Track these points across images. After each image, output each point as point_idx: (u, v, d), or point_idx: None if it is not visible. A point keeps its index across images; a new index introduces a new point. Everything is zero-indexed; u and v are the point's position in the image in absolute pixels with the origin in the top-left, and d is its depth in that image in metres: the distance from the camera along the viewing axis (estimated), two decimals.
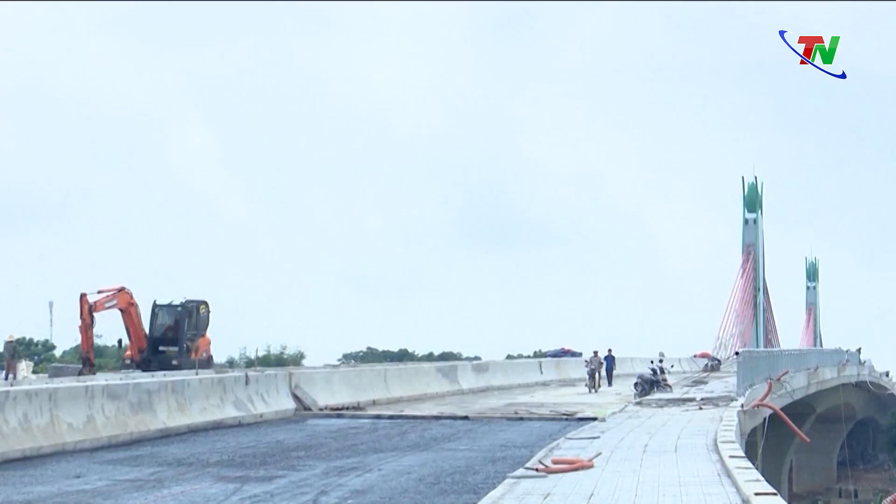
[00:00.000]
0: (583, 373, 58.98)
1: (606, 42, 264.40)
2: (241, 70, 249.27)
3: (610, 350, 60.38)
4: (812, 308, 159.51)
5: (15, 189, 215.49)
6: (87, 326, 53.32)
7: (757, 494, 15.32)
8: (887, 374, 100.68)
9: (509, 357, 78.81)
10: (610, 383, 58.68)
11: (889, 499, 19.87)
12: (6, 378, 46.93)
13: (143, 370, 48.85)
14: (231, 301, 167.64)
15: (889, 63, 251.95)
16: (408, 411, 41.57)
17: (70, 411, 28.48)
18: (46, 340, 62.65)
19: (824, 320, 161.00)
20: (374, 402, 44.84)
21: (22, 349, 60.57)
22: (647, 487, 17.76)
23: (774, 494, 15.62)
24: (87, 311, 52.98)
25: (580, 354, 68.60)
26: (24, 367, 52.86)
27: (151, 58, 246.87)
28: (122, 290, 53.96)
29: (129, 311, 54.09)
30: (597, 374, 55.26)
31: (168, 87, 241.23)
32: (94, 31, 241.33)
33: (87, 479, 21.58)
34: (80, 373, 48.80)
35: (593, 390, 53.33)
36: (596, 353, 57.76)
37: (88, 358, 52.25)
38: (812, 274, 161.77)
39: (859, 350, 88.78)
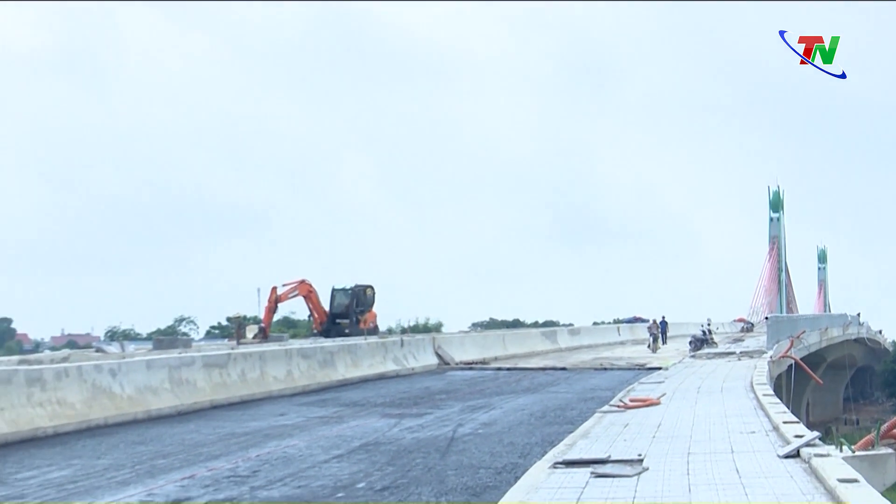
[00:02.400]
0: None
1: (659, 83, 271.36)
2: (390, 112, 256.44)
3: (663, 316, 59.37)
4: (822, 284, 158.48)
5: (229, 204, 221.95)
6: (269, 310, 55.02)
7: (784, 423, 14.98)
8: (880, 332, 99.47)
9: (595, 323, 78.03)
10: (664, 342, 57.74)
11: (886, 424, 19.28)
12: (238, 343, 47.87)
13: (325, 337, 49.11)
14: (389, 285, 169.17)
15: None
16: (520, 364, 41.31)
17: (274, 367, 28.63)
18: (255, 316, 64.01)
19: (832, 292, 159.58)
20: (495, 358, 44.62)
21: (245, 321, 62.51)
22: (700, 418, 17.43)
23: (797, 422, 15.28)
24: (274, 300, 54.74)
25: (647, 320, 67.77)
26: (249, 331, 53.97)
27: (324, 104, 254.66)
28: (302, 281, 55.05)
29: (309, 297, 55.11)
30: (659, 337, 54.39)
31: (337, 126, 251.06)
32: (284, 85, 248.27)
33: (288, 417, 21.64)
34: (255, 337, 50.50)
35: (650, 349, 52.47)
36: (654, 321, 56.98)
37: (264, 329, 52.88)
38: (822, 258, 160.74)
39: (859, 314, 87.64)
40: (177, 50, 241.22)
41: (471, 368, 39.74)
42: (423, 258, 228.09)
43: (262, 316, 56.28)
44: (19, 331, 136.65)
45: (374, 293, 56.75)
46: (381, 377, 34.36)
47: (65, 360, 27.45)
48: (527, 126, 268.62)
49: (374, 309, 56.48)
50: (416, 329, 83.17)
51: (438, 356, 41.13)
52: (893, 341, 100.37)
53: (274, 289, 54.56)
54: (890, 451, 16.16)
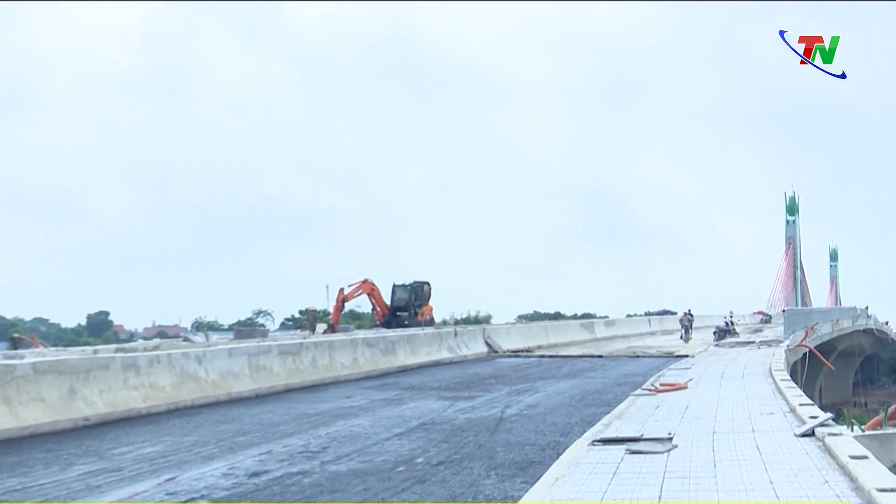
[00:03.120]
0: (678, 325, 57.81)
1: (683, 98, 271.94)
2: (443, 126, 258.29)
3: (689, 310, 58.85)
4: (834, 280, 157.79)
5: (300, 208, 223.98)
6: (337, 308, 55.46)
7: (800, 405, 14.92)
8: (886, 323, 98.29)
9: (628, 315, 77.67)
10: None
11: (893, 407, 19.03)
12: (312, 333, 48.36)
13: (387, 328, 49.32)
14: (443, 281, 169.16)
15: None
16: (561, 352, 41.21)
17: (342, 355, 28.78)
18: (325, 309, 64.65)
19: (842, 287, 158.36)
20: (538, 347, 44.56)
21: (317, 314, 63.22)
22: (724, 401, 17.36)
23: (811, 405, 15.23)
24: (341, 300, 55.06)
25: (675, 313, 67.33)
26: (319, 327, 54.54)
27: (385, 119, 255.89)
28: (364, 281, 55.26)
29: (372, 293, 55.33)
30: (690, 328, 53.91)
31: (396, 139, 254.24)
32: (349, 102, 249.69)
33: (353, 399, 21.76)
34: (325, 332, 50.12)
35: (683, 339, 52.04)
36: (685, 313, 56.59)
37: (333, 325, 53.22)
38: (834, 256, 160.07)
39: (867, 307, 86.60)
40: (252, 72, 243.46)
41: (517, 356, 39.71)
42: (473, 257, 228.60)
43: (330, 309, 56.85)
44: (115, 322, 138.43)
45: (430, 289, 56.90)
46: (437, 364, 34.43)
47: (156, 348, 27.77)
48: (564, 138, 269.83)
49: (430, 303, 56.58)
50: (467, 321, 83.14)
51: (488, 345, 41.16)
52: None
53: (341, 290, 54.87)
54: None
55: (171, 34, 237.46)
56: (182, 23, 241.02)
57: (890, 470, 8.92)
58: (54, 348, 40.07)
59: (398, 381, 27.31)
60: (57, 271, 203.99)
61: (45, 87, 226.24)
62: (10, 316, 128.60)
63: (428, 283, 56.93)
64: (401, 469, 12.02)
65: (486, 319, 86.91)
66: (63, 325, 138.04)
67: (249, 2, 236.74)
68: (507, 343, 42.69)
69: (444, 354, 36.49)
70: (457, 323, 71.38)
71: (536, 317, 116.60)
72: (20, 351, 34.80)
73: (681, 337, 52.23)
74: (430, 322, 54.17)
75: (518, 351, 41.77)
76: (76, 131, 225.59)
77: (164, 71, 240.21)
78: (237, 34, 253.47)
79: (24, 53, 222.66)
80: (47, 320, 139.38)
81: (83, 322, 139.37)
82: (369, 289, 55.17)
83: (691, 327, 53.68)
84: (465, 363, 35.58)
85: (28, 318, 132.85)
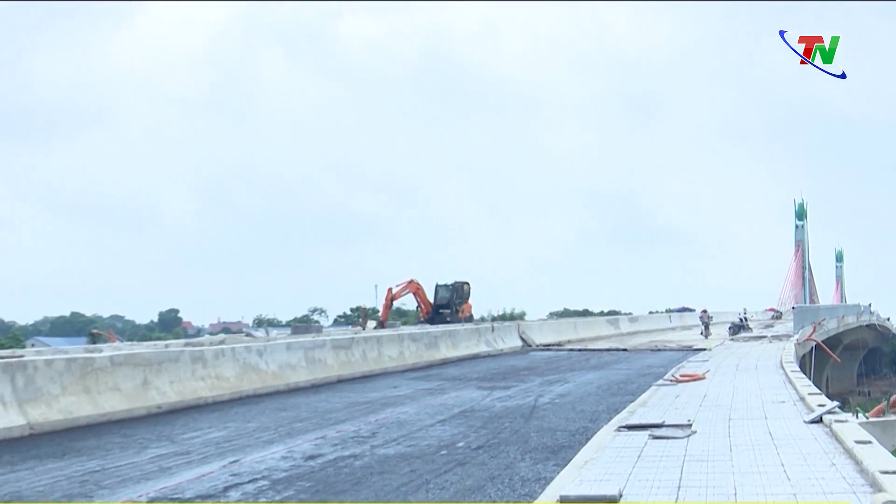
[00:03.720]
0: (696, 321, 57.36)
1: (699, 111, 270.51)
2: (480, 139, 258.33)
3: (705, 309, 58.42)
4: (839, 279, 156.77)
5: (350, 215, 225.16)
6: (386, 307, 55.45)
7: (809, 394, 14.79)
8: (888, 319, 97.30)
9: (650, 312, 77.01)
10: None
11: (894, 396, 18.88)
12: (363, 328, 48.66)
13: (430, 324, 49.36)
14: (481, 281, 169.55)
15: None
16: (589, 346, 41.11)
17: (389, 348, 28.90)
18: (374, 307, 65.03)
19: (847, 286, 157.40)
20: (568, 341, 44.45)
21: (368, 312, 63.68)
22: (739, 390, 17.24)
23: (819, 394, 15.09)
24: (389, 298, 55.17)
25: (694, 310, 66.92)
26: (370, 324, 54.94)
27: (427, 133, 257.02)
28: (411, 281, 55.39)
29: (418, 293, 55.48)
30: (709, 324, 53.41)
31: (437, 151, 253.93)
32: (394, 117, 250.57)
33: (399, 389, 21.84)
34: (376, 327, 50.22)
35: (703, 335, 51.56)
36: (706, 310, 56.09)
37: (382, 322, 53.44)
38: (839, 258, 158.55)
39: (870, 305, 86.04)
40: (306, 91, 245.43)
41: (548, 349, 39.66)
42: (508, 259, 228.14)
43: (379, 307, 57.17)
44: (184, 319, 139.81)
45: (469, 288, 56.95)
46: (476, 357, 34.46)
47: (221, 343, 27.99)
48: (590, 149, 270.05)
49: (470, 301, 56.67)
50: (503, 317, 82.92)
51: (522, 339, 41.13)
52: None
53: (389, 289, 55.08)
54: None
55: (232, 57, 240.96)
56: (242, 47, 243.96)
57: (892, 454, 8.86)
58: (129, 343, 40.49)
59: (440, 372, 27.38)
60: (132, 272, 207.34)
61: (124, 106, 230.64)
62: (89, 313, 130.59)
63: (467, 283, 57.01)
64: (443, 452, 12.07)
65: (521, 316, 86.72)
66: (137, 322, 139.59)
67: (304, 26, 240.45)
68: (539, 338, 42.63)
69: (483, 348, 36.49)
70: (494, 319, 71.21)
71: (566, 313, 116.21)
72: (98, 345, 35.21)
73: (701, 333, 51.79)
74: (470, 319, 54.19)
75: (549, 345, 41.71)
76: (150, 146, 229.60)
77: (227, 91, 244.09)
78: (292, 57, 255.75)
79: (107, 77, 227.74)
80: (123, 317, 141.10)
81: (155, 318, 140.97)
82: (415, 288, 55.37)
83: (711, 324, 53.27)
84: (501, 356, 35.58)
85: (105, 315, 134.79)
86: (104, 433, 14.46)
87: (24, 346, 53.17)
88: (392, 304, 56.20)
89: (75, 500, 9.45)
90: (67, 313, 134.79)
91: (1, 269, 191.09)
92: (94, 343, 44.11)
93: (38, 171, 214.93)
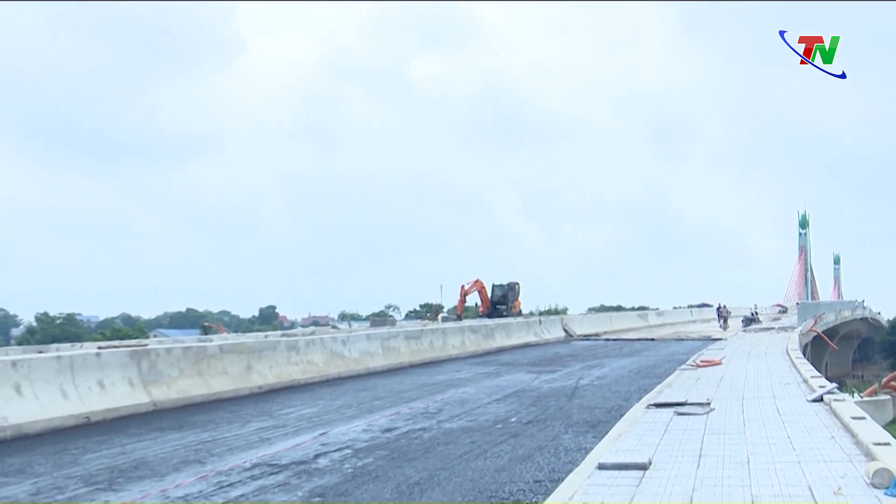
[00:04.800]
0: (713, 315, 56.61)
1: (717, 136, 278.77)
2: (531, 162, 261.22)
3: (721, 304, 57.44)
4: (837, 279, 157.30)
5: (420, 227, 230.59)
6: (461, 302, 56.10)
7: (811, 377, 14.64)
8: (879, 313, 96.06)
9: (674, 307, 75.80)
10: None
11: (885, 378, 18.45)
12: (433, 321, 49.09)
13: (488, 318, 49.39)
14: (531, 282, 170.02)
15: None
16: (622, 336, 40.80)
17: (452, 338, 28.97)
18: (440, 305, 65.58)
19: (844, 285, 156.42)
20: (604, 332, 44.12)
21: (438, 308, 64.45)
22: (751, 374, 17.07)
23: (820, 377, 14.97)
24: (463, 294, 55.73)
25: (712, 305, 65.97)
26: (440, 318, 55.46)
27: (485, 157, 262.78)
28: (476, 280, 55.74)
29: (482, 291, 55.58)
30: (727, 318, 52.63)
31: (494, 173, 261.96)
32: (457, 144, 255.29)
33: (461, 373, 21.91)
34: (454, 319, 50.39)
35: (721, 328, 50.74)
36: (724, 306, 55.27)
37: (459, 315, 53.71)
38: (837, 261, 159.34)
39: (863, 300, 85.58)
40: (384, 122, 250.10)
41: (587, 339, 39.42)
42: (554, 263, 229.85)
43: (444, 304, 57.80)
44: (280, 314, 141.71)
45: (520, 287, 56.89)
46: (526, 345, 34.39)
47: (312, 334, 28.32)
48: (624, 170, 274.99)
49: (520, 298, 56.68)
50: (549, 312, 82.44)
51: (565, 331, 40.93)
52: (888, 319, 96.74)
53: (462, 286, 55.82)
54: (888, 397, 15.71)
55: (322, 93, 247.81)
56: (330, 84, 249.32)
57: (883, 428, 8.76)
58: (235, 334, 41.18)
59: (496, 358, 27.38)
60: (237, 274, 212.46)
61: (231, 134, 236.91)
62: (201, 309, 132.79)
63: (518, 283, 56.97)
64: (498, 426, 12.11)
65: (564, 311, 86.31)
66: (241, 316, 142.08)
67: (381, 67, 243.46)
68: (579, 329, 42.39)
69: (532, 338, 36.41)
70: (541, 314, 70.95)
71: (602, 309, 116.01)
72: (209, 336, 35.87)
73: (720, 325, 51.12)
74: (520, 313, 54.15)
75: (588, 335, 41.46)
76: (253, 169, 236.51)
77: (317, 122, 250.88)
78: (372, 92, 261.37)
79: (217, 108, 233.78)
80: (229, 312, 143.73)
81: (256, 313, 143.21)
82: (480, 286, 55.83)
83: (729, 318, 52.54)
84: (547, 345, 35.46)
85: (215, 310, 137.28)
86: (214, 410, 14.69)
87: (147, 337, 54.48)
88: (465, 298, 56.54)
89: (136, 482, 9.65)
90: (184, 309, 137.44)
91: (131, 272, 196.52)
92: (206, 334, 44.99)
93: (161, 190, 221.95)
